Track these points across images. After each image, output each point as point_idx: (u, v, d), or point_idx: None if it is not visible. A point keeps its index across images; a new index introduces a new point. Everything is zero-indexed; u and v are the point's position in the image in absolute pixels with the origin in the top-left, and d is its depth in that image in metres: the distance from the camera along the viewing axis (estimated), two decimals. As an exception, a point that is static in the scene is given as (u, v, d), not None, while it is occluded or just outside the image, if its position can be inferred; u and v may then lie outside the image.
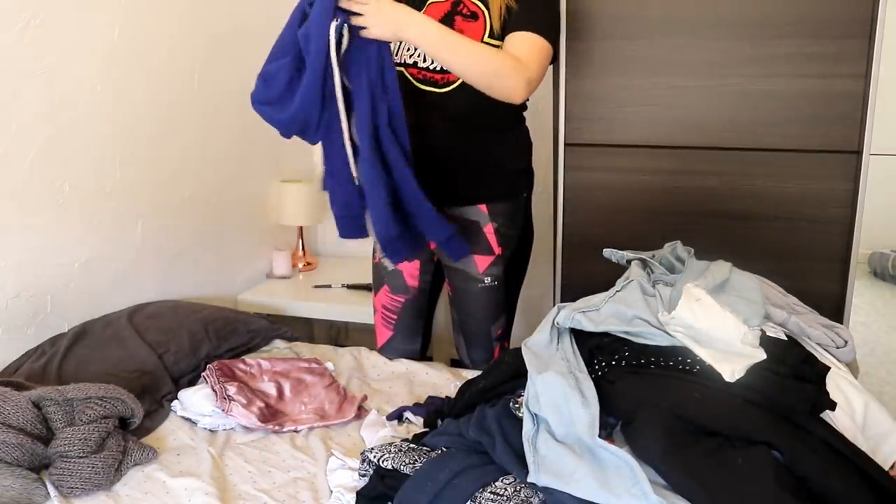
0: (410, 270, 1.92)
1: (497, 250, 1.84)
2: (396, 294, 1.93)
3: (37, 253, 1.83)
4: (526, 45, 1.64)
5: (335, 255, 3.10)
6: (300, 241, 2.89)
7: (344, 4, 1.49)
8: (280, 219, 2.82)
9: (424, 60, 1.73)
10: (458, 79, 1.70)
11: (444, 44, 1.56)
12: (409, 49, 1.74)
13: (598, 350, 1.35)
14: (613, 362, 1.30)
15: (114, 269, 2.06)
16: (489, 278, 1.85)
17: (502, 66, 1.59)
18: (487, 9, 1.68)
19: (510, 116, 1.83)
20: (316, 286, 2.69)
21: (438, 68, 1.72)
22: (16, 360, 1.75)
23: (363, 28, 1.50)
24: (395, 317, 1.95)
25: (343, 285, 2.68)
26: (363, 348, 2.02)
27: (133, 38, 2.06)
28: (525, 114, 1.89)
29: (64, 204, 1.89)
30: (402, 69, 1.75)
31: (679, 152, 2.14)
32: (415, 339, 2.00)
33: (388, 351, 1.97)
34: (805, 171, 2.06)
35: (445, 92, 1.73)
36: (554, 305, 2.33)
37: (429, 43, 1.56)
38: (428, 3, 1.73)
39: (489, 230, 1.83)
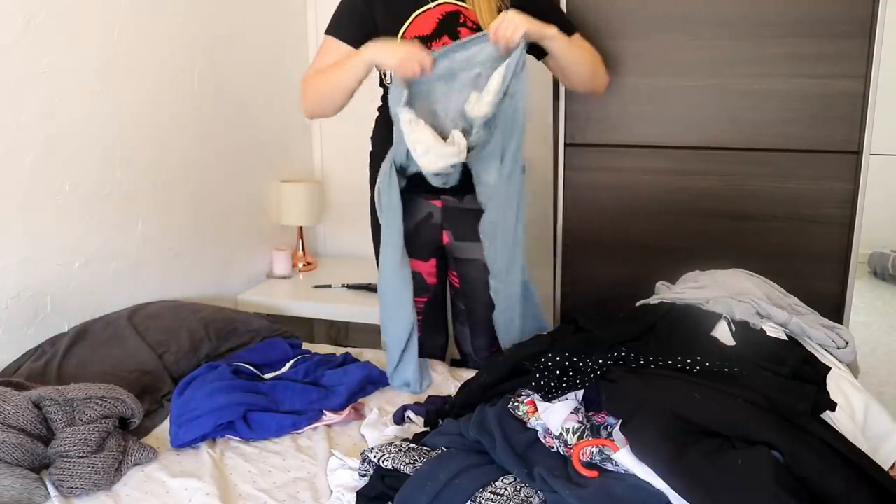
0: (428, 269, 1.94)
1: None
2: (419, 296, 1.95)
3: (37, 253, 1.83)
4: (585, 43, 1.84)
5: (335, 255, 3.10)
6: (300, 241, 2.89)
7: (503, 44, 1.61)
8: (280, 219, 2.82)
9: None
10: None
11: (571, 44, 1.74)
12: None
13: (598, 350, 1.35)
14: (612, 362, 1.30)
15: (114, 269, 2.06)
16: None
17: (596, 63, 1.84)
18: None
19: None
20: (316, 286, 2.69)
21: None
22: (16, 360, 1.75)
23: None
24: (419, 317, 1.97)
25: (343, 285, 2.68)
26: (365, 349, 2.02)
27: (133, 39, 2.06)
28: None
29: (64, 204, 1.89)
30: None
31: (679, 152, 2.14)
32: (440, 335, 2.05)
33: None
34: (805, 171, 2.06)
35: None
36: (554, 305, 2.35)
37: (562, 43, 1.71)
38: (414, 14, 1.73)
39: None
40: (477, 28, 1.72)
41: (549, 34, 1.66)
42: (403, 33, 1.73)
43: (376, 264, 1.97)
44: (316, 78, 1.75)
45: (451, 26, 1.72)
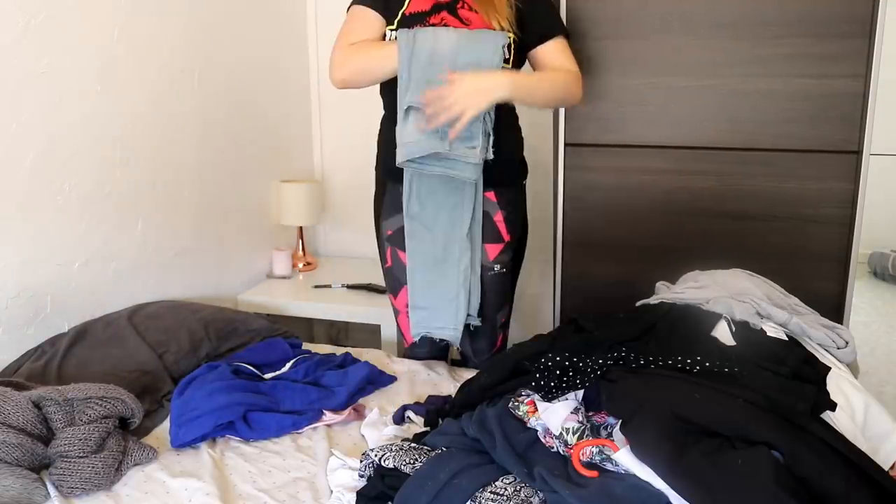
0: None
1: (506, 237, 1.89)
2: None
3: (37, 253, 1.83)
4: (561, 52, 1.83)
5: (335, 255, 3.10)
6: (300, 241, 2.89)
7: (433, 124, 1.63)
8: (280, 219, 2.82)
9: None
10: None
11: (530, 90, 1.72)
12: None
13: (598, 350, 1.35)
14: (612, 362, 1.30)
15: (114, 269, 2.06)
16: (499, 265, 1.90)
17: (569, 86, 1.80)
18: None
19: (509, 114, 1.88)
20: (316, 286, 2.69)
21: None
22: (16, 360, 1.75)
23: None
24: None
25: (343, 285, 2.68)
26: (364, 349, 2.03)
27: (133, 38, 2.06)
28: (518, 112, 1.93)
29: (64, 204, 1.89)
30: None
31: (679, 152, 2.15)
32: None
33: (419, 346, 2.00)
34: (805, 171, 2.06)
35: None
36: (554, 305, 2.35)
37: (521, 95, 1.71)
38: None
39: (499, 218, 1.88)
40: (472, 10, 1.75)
41: (503, 97, 1.66)
42: (405, 10, 1.77)
43: (380, 259, 1.99)
44: (353, 54, 1.77)
45: (452, 6, 1.75)
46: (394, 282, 1.96)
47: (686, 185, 2.15)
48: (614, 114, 2.17)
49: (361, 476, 1.32)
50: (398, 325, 2.03)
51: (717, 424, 1.12)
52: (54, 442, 1.38)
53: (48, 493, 1.33)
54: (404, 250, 1.90)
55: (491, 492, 1.14)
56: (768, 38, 2.01)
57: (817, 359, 1.43)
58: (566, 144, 2.21)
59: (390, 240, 1.93)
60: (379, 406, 1.68)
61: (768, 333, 1.47)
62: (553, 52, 1.82)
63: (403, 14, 1.77)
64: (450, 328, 1.87)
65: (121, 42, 2.02)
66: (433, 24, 1.74)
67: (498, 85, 1.65)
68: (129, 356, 1.75)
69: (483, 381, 1.48)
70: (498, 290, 1.92)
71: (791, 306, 1.63)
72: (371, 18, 1.80)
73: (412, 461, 1.25)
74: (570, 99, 1.84)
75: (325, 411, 1.61)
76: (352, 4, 1.84)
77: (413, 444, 1.32)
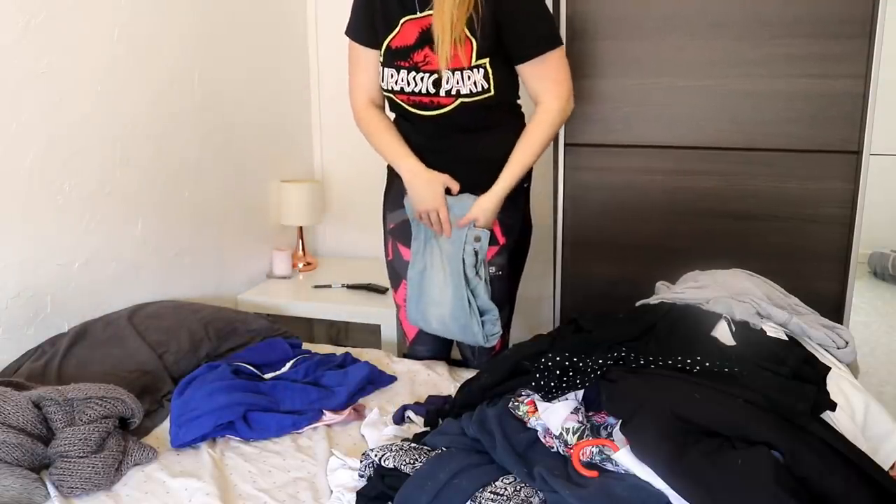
0: None
1: (501, 240, 1.88)
2: None
3: (37, 253, 1.83)
4: (551, 71, 1.75)
5: (335, 255, 3.10)
6: (300, 241, 2.89)
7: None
8: (280, 219, 2.82)
9: (409, 85, 1.77)
10: (447, 105, 1.77)
11: (520, 174, 1.80)
12: (393, 77, 1.78)
13: (598, 350, 1.35)
14: (612, 362, 1.30)
15: (114, 269, 2.06)
16: (493, 268, 1.88)
17: (556, 124, 1.78)
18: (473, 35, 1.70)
19: (509, 115, 1.87)
20: (316, 286, 2.69)
21: (425, 91, 1.76)
22: (16, 360, 1.75)
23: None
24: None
25: (343, 285, 2.68)
26: (364, 349, 2.03)
27: (133, 38, 2.06)
28: (522, 110, 1.92)
29: (64, 204, 1.89)
30: (391, 95, 1.83)
31: (679, 152, 2.15)
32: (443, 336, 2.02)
33: (420, 343, 2.00)
34: (805, 171, 2.06)
35: (437, 114, 1.79)
36: (554, 305, 2.35)
37: (509, 183, 1.79)
38: (403, 21, 1.74)
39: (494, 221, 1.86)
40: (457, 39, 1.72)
41: (495, 208, 1.80)
42: (391, 41, 1.76)
43: (384, 252, 2.00)
44: (366, 125, 1.88)
45: (432, 38, 1.71)
46: (394, 275, 1.97)
47: (686, 185, 2.15)
48: (615, 114, 2.17)
49: (361, 476, 1.32)
50: (398, 320, 2.03)
51: (717, 424, 1.12)
52: (54, 442, 1.38)
53: (48, 493, 1.33)
54: (405, 245, 1.91)
55: (491, 492, 1.14)
56: (769, 39, 2.01)
57: (817, 359, 1.43)
58: (566, 144, 2.21)
59: (392, 233, 1.94)
60: (379, 406, 1.68)
61: (768, 333, 1.47)
62: (533, 74, 1.75)
63: (388, 46, 1.76)
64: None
65: (121, 42, 2.02)
66: (417, 62, 1.73)
67: (490, 216, 1.80)
68: (129, 356, 1.75)
69: (483, 381, 1.48)
70: (493, 294, 1.89)
71: (791, 306, 1.63)
72: (366, 58, 1.83)
73: (412, 461, 1.25)
74: (558, 129, 1.84)
75: (325, 411, 1.61)
76: (346, 31, 1.85)
77: (413, 444, 1.32)
